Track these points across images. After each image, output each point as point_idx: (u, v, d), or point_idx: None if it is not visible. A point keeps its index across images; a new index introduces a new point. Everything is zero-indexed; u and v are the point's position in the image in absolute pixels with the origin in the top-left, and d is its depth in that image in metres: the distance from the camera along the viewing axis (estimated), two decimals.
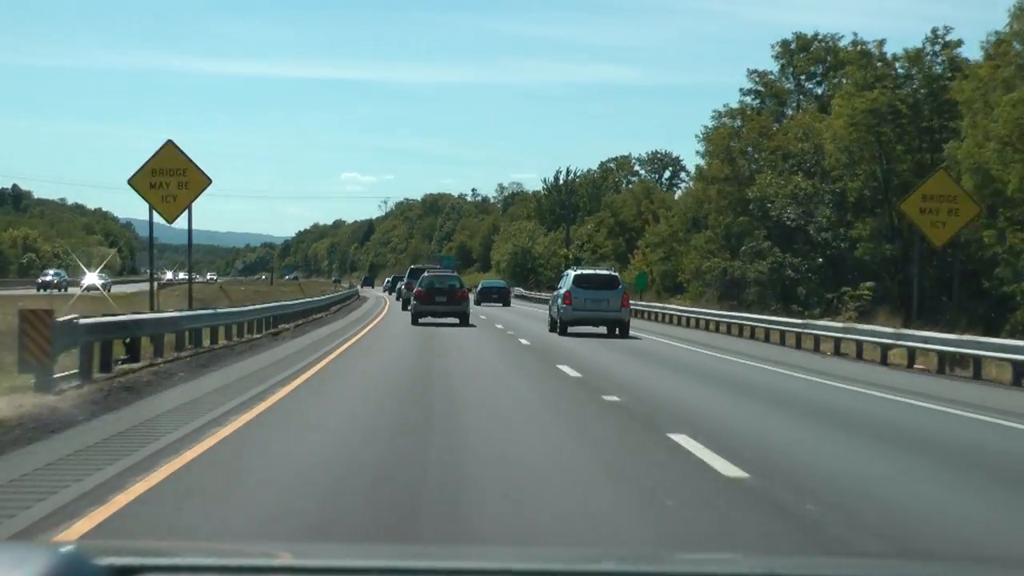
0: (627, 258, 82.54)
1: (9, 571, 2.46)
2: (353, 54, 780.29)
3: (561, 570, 3.16)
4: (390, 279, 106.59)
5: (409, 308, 44.67)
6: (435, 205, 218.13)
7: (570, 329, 36.28)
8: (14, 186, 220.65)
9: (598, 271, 40.54)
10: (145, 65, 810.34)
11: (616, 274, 39.91)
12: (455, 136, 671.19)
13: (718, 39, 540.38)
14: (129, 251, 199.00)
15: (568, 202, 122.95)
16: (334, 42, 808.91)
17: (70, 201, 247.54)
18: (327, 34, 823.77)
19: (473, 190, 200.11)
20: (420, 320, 41.26)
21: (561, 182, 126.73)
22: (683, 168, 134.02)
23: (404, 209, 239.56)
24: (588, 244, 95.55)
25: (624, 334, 35.93)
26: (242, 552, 3.82)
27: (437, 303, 41.40)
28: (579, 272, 38.54)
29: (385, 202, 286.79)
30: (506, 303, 72.24)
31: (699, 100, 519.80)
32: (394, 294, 78.03)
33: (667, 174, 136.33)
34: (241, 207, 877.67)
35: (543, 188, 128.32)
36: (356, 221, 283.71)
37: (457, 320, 40.95)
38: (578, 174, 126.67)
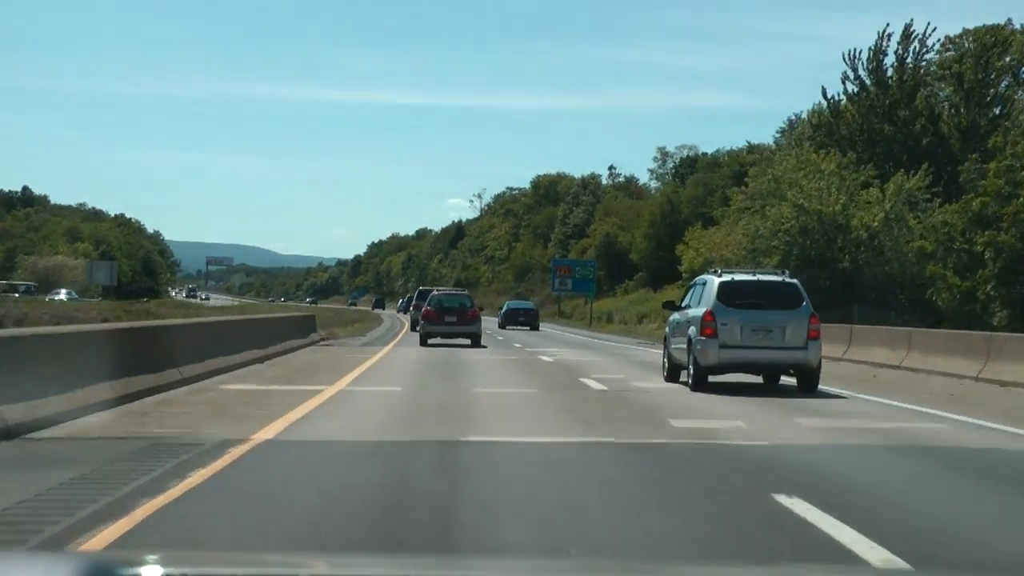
0: None
1: None
2: (460, 81, 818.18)
3: None
4: (403, 299, 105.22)
5: (418, 329, 42.54)
6: (551, 192, 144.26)
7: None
8: (24, 188, 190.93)
9: (762, 274, 22.32)
10: (252, 94, 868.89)
11: (794, 281, 21.73)
12: (560, 163, 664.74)
13: (822, 64, 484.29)
14: (143, 261, 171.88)
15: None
16: (439, 70, 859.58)
17: (90, 207, 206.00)
18: (433, 62, 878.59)
19: (611, 168, 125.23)
20: (429, 341, 38.26)
21: (889, 63, 51.30)
22: None
23: (506, 202, 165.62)
24: None
25: (811, 388, 20.45)
26: (265, 561, 3.85)
27: (447, 323, 39.03)
28: (727, 279, 21.38)
29: (479, 196, 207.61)
30: (534, 327, 64.22)
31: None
32: (407, 315, 71.51)
33: None
34: (343, 234, 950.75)
35: (847, 79, 52.33)
36: (442, 228, 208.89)
37: (468, 341, 38.54)
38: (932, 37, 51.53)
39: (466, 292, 46.79)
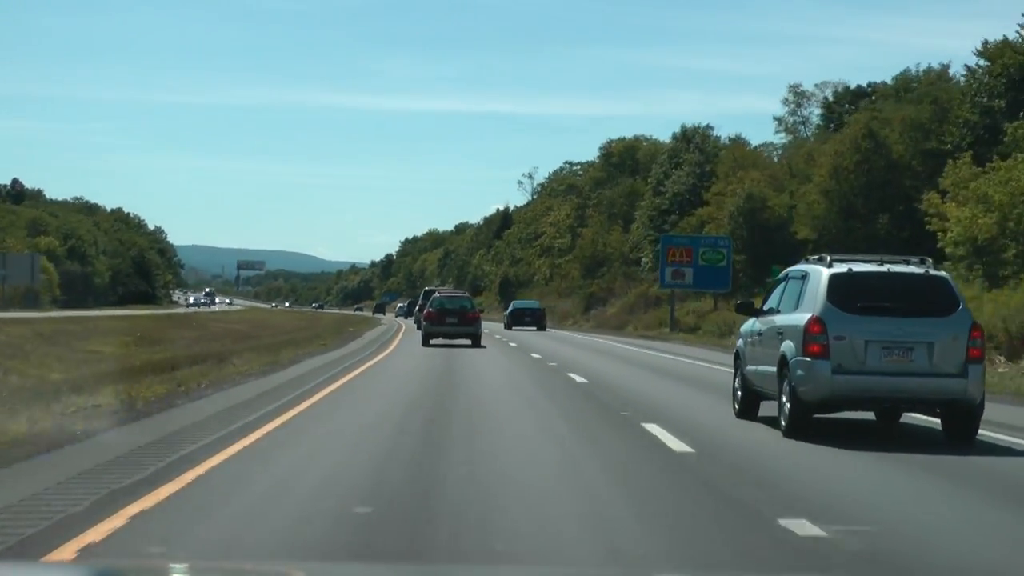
0: None
1: None
2: (501, 88, 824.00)
3: None
4: (404, 304, 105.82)
5: (420, 329, 44.82)
6: (628, 159, 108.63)
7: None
8: (14, 181, 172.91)
9: (893, 266, 14.90)
10: (295, 101, 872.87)
11: (943, 273, 15.00)
12: None
13: (867, 68, 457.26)
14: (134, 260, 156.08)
15: None
16: (481, 76, 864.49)
17: (85, 202, 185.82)
18: (475, 69, 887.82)
19: (707, 127, 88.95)
20: (431, 341, 39.88)
21: None
22: None
23: (565, 179, 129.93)
24: None
25: (967, 436, 14.15)
26: (259, 571, 3.97)
27: (448, 324, 40.43)
28: (842, 269, 14.62)
29: (530, 176, 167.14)
30: (541, 327, 65.64)
31: None
32: (409, 319, 76.01)
33: None
34: (386, 240, 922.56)
35: None
36: (485, 218, 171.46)
37: (469, 341, 39.65)
38: None
39: (467, 295, 50.84)
